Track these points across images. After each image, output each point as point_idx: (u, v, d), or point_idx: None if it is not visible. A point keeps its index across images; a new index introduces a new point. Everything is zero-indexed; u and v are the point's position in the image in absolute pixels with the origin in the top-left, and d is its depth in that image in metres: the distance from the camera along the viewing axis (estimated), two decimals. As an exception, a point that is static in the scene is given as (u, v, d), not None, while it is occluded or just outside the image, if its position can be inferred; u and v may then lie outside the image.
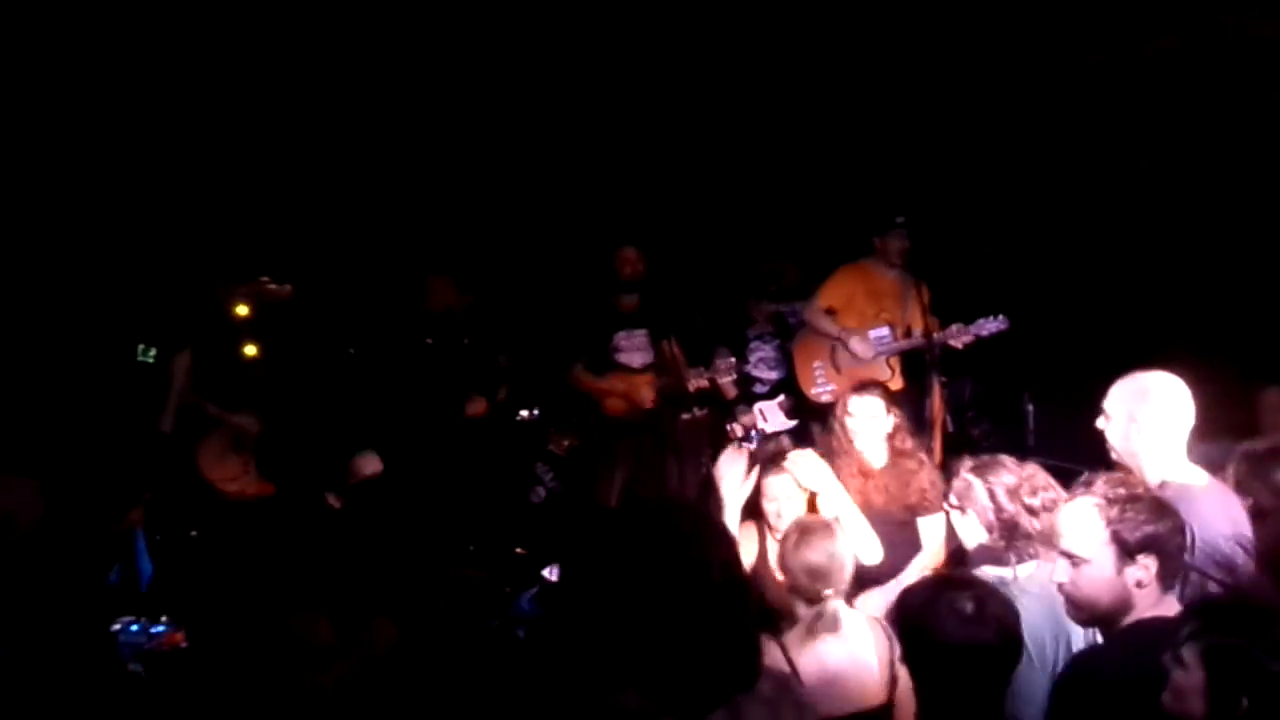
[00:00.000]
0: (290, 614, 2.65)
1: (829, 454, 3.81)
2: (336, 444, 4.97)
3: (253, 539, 4.77)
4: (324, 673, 2.56)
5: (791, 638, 2.84)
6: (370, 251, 6.03)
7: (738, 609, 1.80)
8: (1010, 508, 2.85)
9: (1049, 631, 2.59)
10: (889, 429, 3.89)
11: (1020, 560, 2.83)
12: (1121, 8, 3.92)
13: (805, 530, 3.00)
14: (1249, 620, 1.82)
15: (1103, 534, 2.24)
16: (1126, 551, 2.21)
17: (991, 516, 2.87)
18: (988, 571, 2.81)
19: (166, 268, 5.49)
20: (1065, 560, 2.31)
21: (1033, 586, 2.70)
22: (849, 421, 3.89)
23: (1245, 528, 2.73)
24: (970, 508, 2.94)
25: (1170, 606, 2.22)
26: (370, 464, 4.64)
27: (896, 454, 3.91)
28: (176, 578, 4.54)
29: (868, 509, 3.66)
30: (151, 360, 4.97)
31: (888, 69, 4.73)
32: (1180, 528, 2.26)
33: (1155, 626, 2.16)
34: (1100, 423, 2.94)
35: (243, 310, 5.64)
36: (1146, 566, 2.21)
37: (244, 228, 5.75)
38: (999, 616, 2.14)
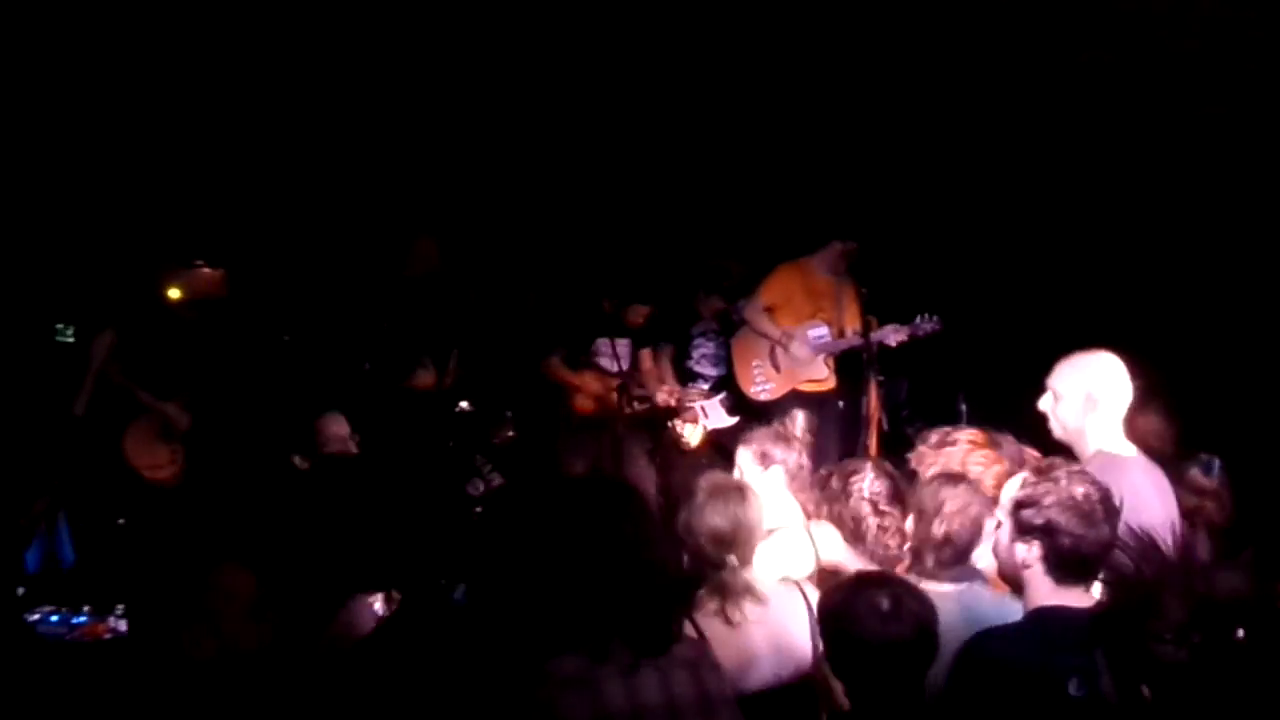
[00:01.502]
0: (213, 569, 2.63)
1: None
2: (266, 428, 4.92)
3: (177, 525, 4.68)
4: (253, 622, 2.54)
5: (700, 607, 2.67)
6: (344, 222, 5.96)
7: (648, 578, 1.88)
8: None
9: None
10: None
11: None
12: (1058, 20, 4.01)
13: (714, 491, 2.78)
14: (1146, 611, 1.87)
15: (1009, 504, 2.36)
16: (1019, 528, 2.31)
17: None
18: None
19: (99, 248, 5.35)
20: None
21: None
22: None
23: (1172, 501, 2.88)
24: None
25: (1078, 599, 2.27)
26: (336, 424, 4.58)
27: None
28: (100, 566, 4.43)
29: None
30: (70, 339, 4.81)
31: (831, 72, 4.78)
32: (1097, 540, 2.26)
33: (1053, 615, 2.24)
34: (1046, 401, 3.00)
35: (176, 294, 5.51)
36: (1030, 548, 2.28)
37: (183, 209, 5.63)
38: (915, 612, 2.18)
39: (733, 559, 2.68)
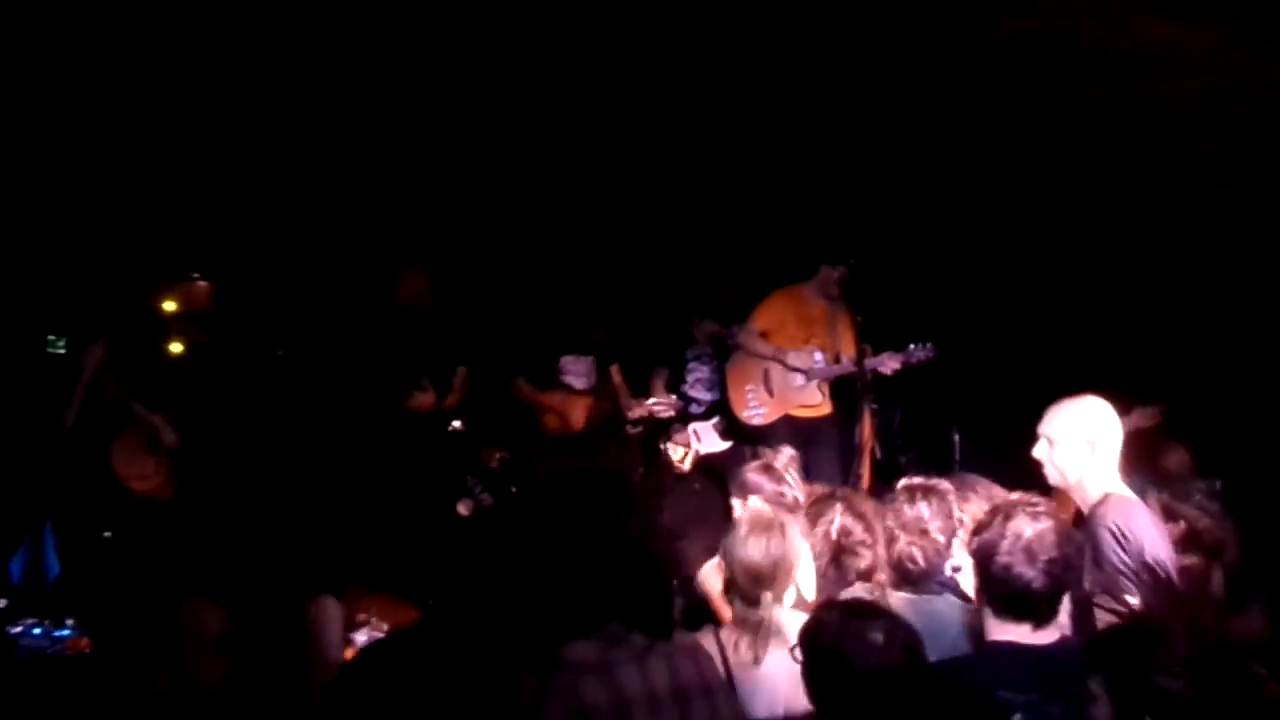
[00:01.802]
0: (180, 602, 2.59)
1: None
2: (259, 444, 4.90)
3: (159, 539, 4.64)
4: (214, 660, 2.51)
5: (728, 634, 2.64)
6: (335, 244, 5.96)
7: (650, 563, 2.00)
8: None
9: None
10: None
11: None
12: (1052, 59, 4.06)
13: (755, 525, 2.71)
14: (1145, 644, 1.88)
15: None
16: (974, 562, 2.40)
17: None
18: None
19: (93, 260, 5.33)
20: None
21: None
22: None
23: (1169, 544, 2.89)
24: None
25: (1025, 635, 2.29)
26: None
27: None
28: (82, 578, 4.39)
29: None
30: (62, 351, 4.78)
31: (828, 99, 4.82)
32: (1043, 579, 2.26)
33: (999, 651, 2.31)
34: (1041, 449, 2.99)
35: (170, 306, 5.50)
36: (979, 582, 2.38)
37: (178, 220, 5.63)
38: (907, 642, 2.17)
39: (768, 596, 2.62)
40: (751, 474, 3.33)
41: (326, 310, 5.76)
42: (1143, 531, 2.72)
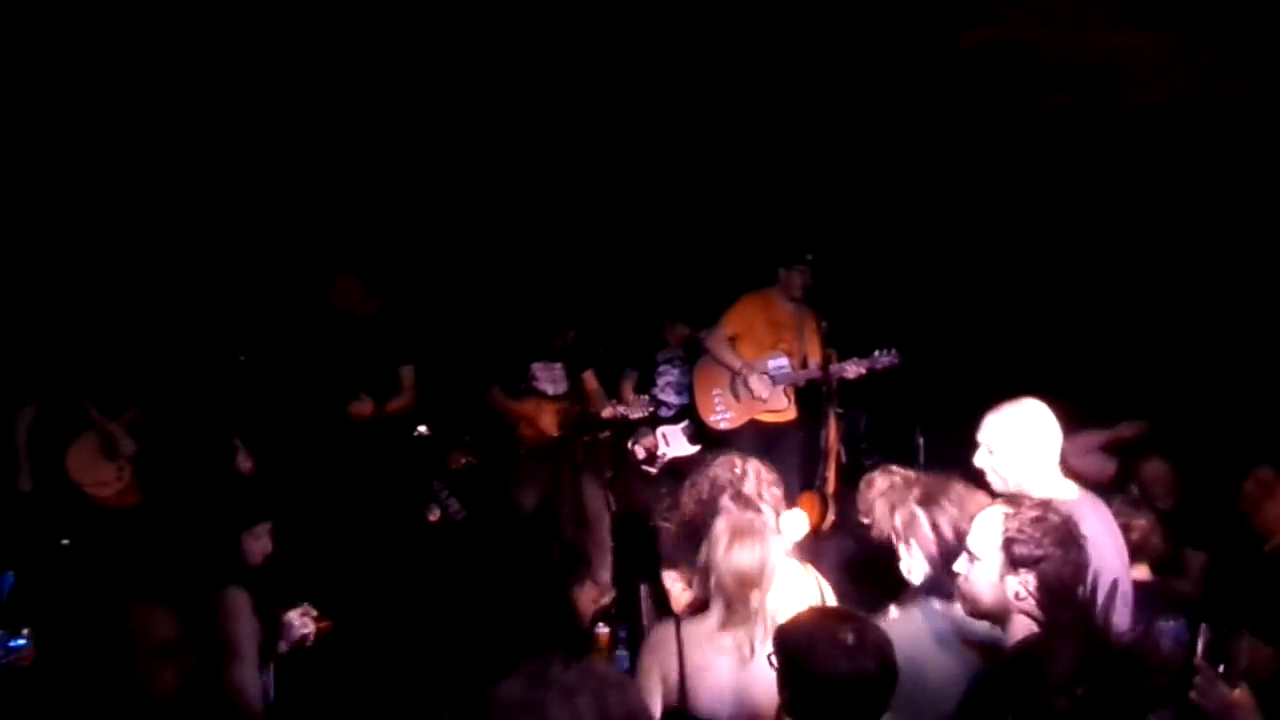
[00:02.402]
0: (127, 607, 2.53)
1: None
2: (217, 447, 4.83)
3: (120, 547, 4.56)
4: (165, 666, 2.45)
5: (695, 629, 2.78)
6: (275, 248, 5.88)
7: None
8: (954, 542, 2.75)
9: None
10: None
11: None
12: (1015, 67, 4.11)
13: (737, 532, 2.82)
14: (1045, 659, 1.87)
15: (998, 539, 2.40)
16: (1012, 561, 2.37)
17: (934, 550, 2.80)
18: (935, 604, 2.80)
19: (58, 267, 5.24)
20: (966, 554, 2.48)
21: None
22: None
23: (1119, 535, 2.97)
24: (915, 540, 2.86)
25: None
26: None
27: None
28: (37, 587, 4.30)
29: None
30: None
31: (794, 108, 4.84)
32: (1074, 564, 2.36)
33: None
34: (982, 458, 3.00)
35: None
36: (1025, 582, 2.35)
37: (138, 230, 5.53)
38: (878, 645, 2.18)
39: (757, 594, 2.76)
40: (725, 500, 3.33)
41: (273, 316, 5.69)
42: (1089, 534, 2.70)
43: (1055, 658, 1.79)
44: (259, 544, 3.64)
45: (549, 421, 5.49)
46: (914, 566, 2.85)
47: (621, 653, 4.00)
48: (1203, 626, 2.17)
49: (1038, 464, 2.93)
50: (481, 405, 5.70)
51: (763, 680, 2.59)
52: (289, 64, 4.42)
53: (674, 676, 2.75)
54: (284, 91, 4.69)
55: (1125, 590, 2.78)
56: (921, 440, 6.01)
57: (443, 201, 6.00)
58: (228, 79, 4.50)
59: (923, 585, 2.87)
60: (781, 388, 5.50)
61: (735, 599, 2.75)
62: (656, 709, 2.73)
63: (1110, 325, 5.68)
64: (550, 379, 5.57)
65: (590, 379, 5.62)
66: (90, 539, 4.74)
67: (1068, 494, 2.91)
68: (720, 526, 2.87)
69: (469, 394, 5.82)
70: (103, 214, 5.39)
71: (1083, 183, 5.23)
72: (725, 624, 2.77)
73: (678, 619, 2.91)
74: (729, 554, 2.77)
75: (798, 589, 3.14)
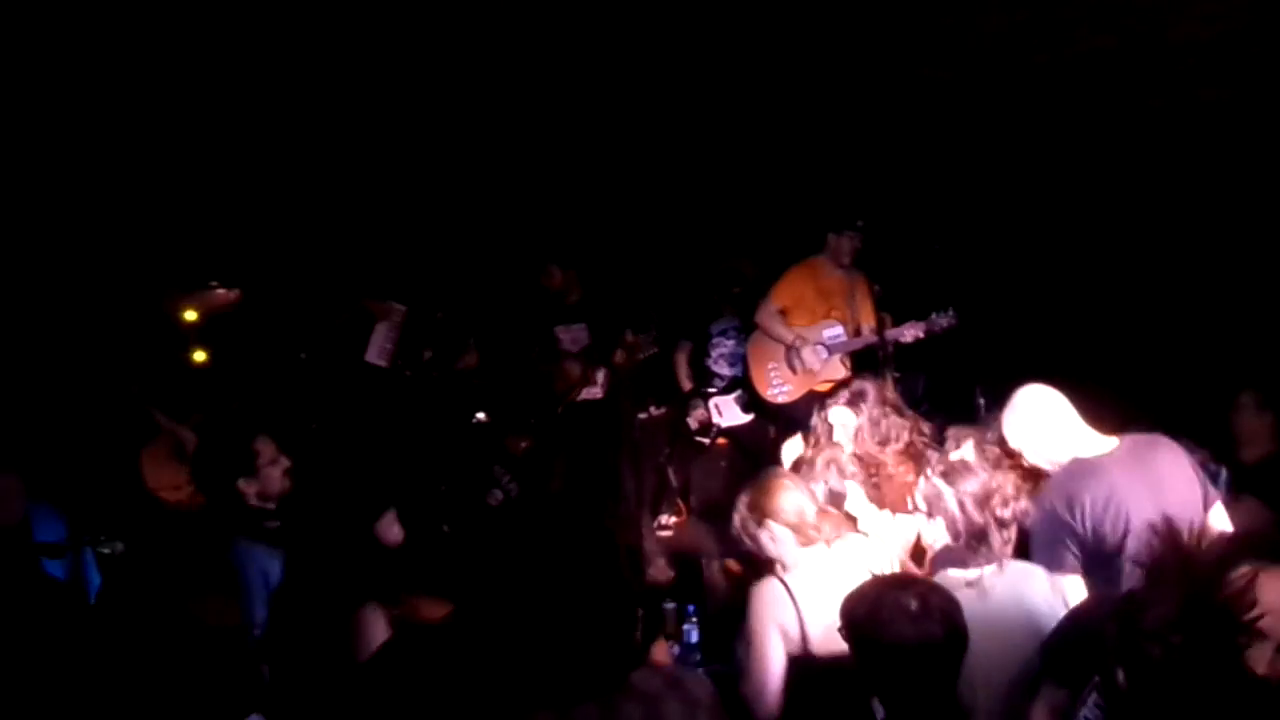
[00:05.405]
0: (188, 598, 2.61)
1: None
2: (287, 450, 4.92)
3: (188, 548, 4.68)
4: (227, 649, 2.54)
5: (799, 577, 2.93)
6: (330, 253, 5.99)
7: (610, 613, 1.98)
8: (980, 519, 2.84)
9: (1020, 628, 2.64)
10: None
11: (984, 563, 2.82)
12: (1060, 9, 4.00)
13: (768, 485, 3.12)
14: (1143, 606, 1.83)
15: None
16: None
17: (960, 526, 2.86)
18: (951, 574, 2.81)
19: (113, 275, 5.37)
20: None
21: (998, 587, 2.75)
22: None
23: (1183, 485, 2.97)
24: (938, 514, 2.92)
25: None
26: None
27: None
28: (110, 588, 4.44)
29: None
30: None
31: (840, 71, 4.77)
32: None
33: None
34: (1012, 443, 3.16)
35: (191, 316, 5.54)
36: None
37: (192, 233, 5.65)
38: (944, 610, 2.17)
39: (823, 529, 3.06)
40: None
41: (339, 316, 5.80)
42: (1098, 493, 2.88)
43: (1153, 605, 1.74)
44: (392, 531, 3.63)
45: (571, 370, 5.78)
46: (935, 535, 3.00)
47: (688, 626, 4.01)
48: None
49: (1057, 439, 3.08)
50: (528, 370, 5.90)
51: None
52: (322, 72, 4.49)
53: (795, 628, 2.82)
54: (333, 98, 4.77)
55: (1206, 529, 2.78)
56: (982, 400, 5.90)
57: (490, 182, 6.04)
58: (265, 89, 4.58)
59: (939, 555, 3.00)
60: (838, 356, 5.45)
61: (807, 534, 3.02)
62: (779, 666, 2.83)
63: (1166, 279, 5.51)
64: (572, 340, 5.84)
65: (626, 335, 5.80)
66: (164, 542, 4.87)
67: (1103, 448, 3.01)
68: (747, 490, 3.18)
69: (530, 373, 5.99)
70: (166, 216, 5.51)
71: (1133, 127, 5.07)
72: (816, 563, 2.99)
73: (778, 575, 2.98)
74: (780, 498, 3.07)
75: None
